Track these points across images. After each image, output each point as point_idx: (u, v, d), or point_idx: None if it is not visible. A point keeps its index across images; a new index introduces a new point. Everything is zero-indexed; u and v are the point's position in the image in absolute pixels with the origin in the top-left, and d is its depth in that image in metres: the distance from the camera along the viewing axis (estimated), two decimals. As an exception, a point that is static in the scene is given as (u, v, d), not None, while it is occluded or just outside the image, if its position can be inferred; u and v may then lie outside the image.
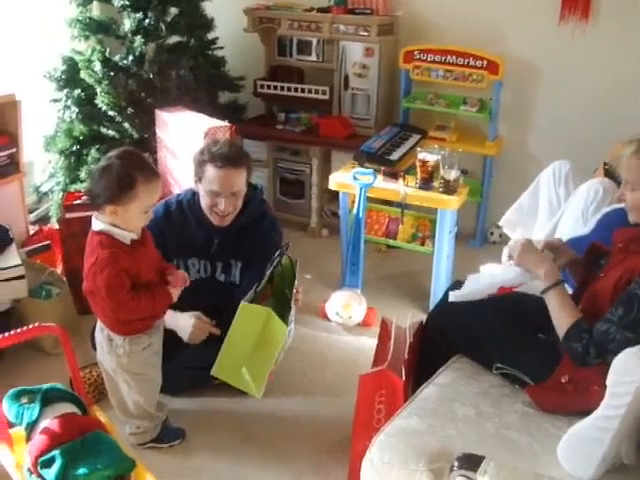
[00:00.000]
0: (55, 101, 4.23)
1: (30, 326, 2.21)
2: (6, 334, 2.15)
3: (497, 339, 2.36)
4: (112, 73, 4.01)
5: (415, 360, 2.53)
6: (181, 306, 2.61)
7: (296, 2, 4.54)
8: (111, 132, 4.14)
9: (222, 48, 4.57)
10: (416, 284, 3.98)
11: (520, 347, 2.33)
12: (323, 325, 3.63)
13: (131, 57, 4.06)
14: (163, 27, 4.11)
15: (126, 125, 4.09)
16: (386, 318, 2.71)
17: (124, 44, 4.15)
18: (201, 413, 2.95)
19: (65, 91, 4.20)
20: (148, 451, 2.71)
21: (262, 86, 4.64)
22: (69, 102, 4.18)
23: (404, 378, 2.33)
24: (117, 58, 4.08)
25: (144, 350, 2.51)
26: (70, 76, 4.18)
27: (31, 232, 4.01)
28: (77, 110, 4.17)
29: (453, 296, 2.34)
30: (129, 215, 2.33)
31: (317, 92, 4.47)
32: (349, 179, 3.59)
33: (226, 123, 3.65)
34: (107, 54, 4.04)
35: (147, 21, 4.04)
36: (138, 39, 4.03)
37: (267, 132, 4.58)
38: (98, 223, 2.37)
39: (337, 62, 4.39)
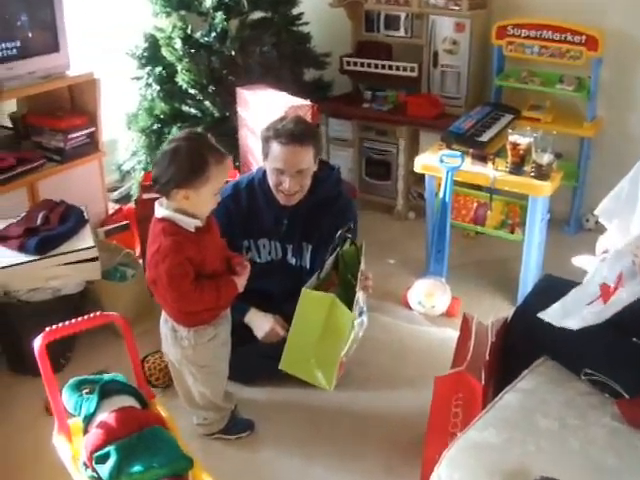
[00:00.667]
0: (137, 79, 4.18)
1: (91, 315, 2.16)
2: (66, 323, 2.09)
3: (589, 341, 2.11)
4: (193, 50, 3.95)
5: (497, 361, 2.33)
6: (251, 290, 2.48)
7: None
8: (192, 110, 4.07)
9: (307, 24, 4.41)
10: (504, 273, 3.75)
11: (615, 352, 2.10)
12: (404, 314, 3.46)
13: (213, 34, 3.97)
14: (245, 2, 3.99)
15: (207, 103, 4.01)
16: (468, 314, 2.51)
17: (206, 20, 4.06)
18: (271, 404, 2.86)
19: (147, 69, 4.16)
20: (215, 442, 2.64)
21: (348, 63, 4.46)
22: (150, 80, 4.14)
23: (483, 382, 2.15)
24: (198, 35, 3.99)
25: (209, 342, 2.41)
26: (151, 54, 4.14)
27: (111, 211, 3.98)
28: (158, 88, 4.12)
29: (545, 315, 2.10)
30: (201, 199, 2.23)
31: (405, 69, 4.26)
32: (436, 162, 3.39)
33: (308, 102, 3.51)
34: (188, 31, 3.96)
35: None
36: (219, 15, 3.92)
37: (352, 111, 4.41)
38: (162, 210, 2.28)
39: (426, 38, 4.18)
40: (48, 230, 3.05)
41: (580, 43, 3.75)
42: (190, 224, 2.26)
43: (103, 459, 1.89)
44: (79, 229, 3.13)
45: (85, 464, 1.93)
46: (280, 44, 4.21)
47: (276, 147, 2.67)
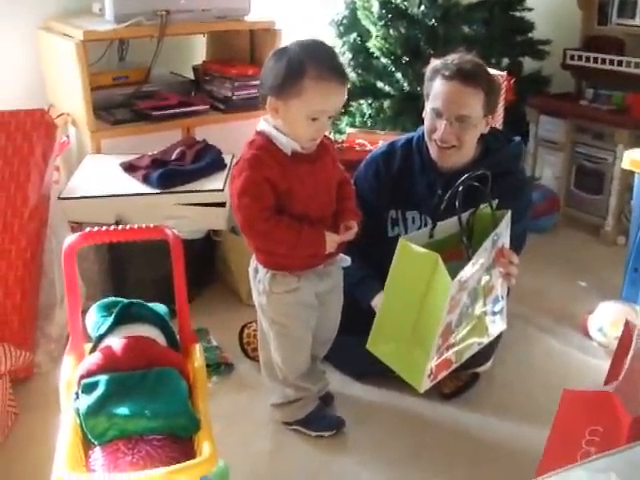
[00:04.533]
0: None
1: (143, 226, 1.75)
2: (111, 228, 1.71)
3: None
4: (390, 15, 3.51)
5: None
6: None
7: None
8: (382, 84, 3.65)
9: (531, 10, 3.84)
10: None
11: None
12: (579, 342, 2.75)
13: (417, 1, 3.52)
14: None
15: (398, 75, 3.56)
16: (630, 320, 1.82)
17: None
18: (375, 406, 2.33)
19: (344, 39, 3.81)
20: (291, 434, 2.16)
21: (572, 57, 3.82)
22: (344, 48, 3.77)
23: (634, 415, 1.47)
24: (398, 0, 3.56)
25: (286, 294, 1.96)
26: (350, 21, 3.79)
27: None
28: (350, 56, 3.74)
29: None
30: (290, 116, 1.82)
31: (637, 66, 3.55)
32: (648, 156, 2.68)
33: (503, 73, 2.96)
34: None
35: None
36: (425, -20, 3.47)
37: (567, 107, 3.75)
38: (263, 123, 1.91)
39: (667, 26, 3.45)
40: (178, 165, 2.76)
41: None
42: (286, 145, 1.85)
43: (90, 388, 1.48)
44: (214, 171, 2.83)
45: (77, 394, 1.52)
46: (493, 22, 3.67)
47: (438, 82, 2.19)
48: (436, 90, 2.19)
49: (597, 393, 1.56)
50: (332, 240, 1.88)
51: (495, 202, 1.92)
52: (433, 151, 2.26)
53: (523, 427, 2.23)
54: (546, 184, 3.83)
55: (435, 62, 2.26)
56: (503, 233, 1.90)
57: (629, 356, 1.62)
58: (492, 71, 2.90)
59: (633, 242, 2.80)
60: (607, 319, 2.69)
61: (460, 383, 2.37)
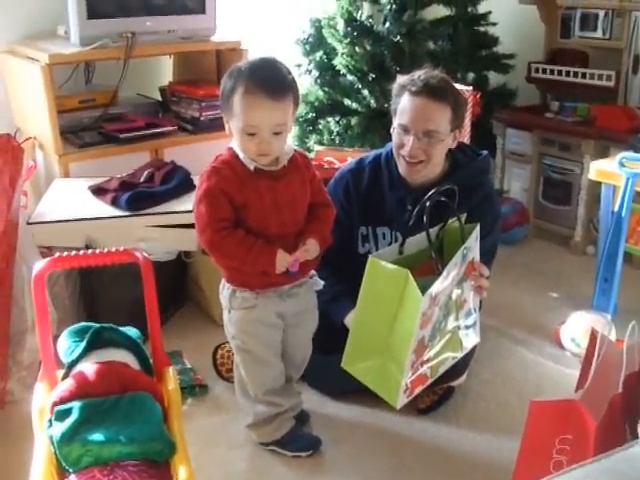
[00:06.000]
0: (298, 66, 3.85)
1: (112, 249, 1.73)
2: (80, 252, 1.69)
3: None
4: (356, 33, 3.54)
5: None
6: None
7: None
8: (349, 102, 3.66)
9: (495, 24, 3.88)
10: None
11: None
12: (552, 352, 2.77)
13: (381, 18, 3.57)
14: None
15: (365, 92, 3.58)
16: (595, 329, 1.84)
17: (381, 11, 3.68)
18: (352, 424, 2.33)
19: (310, 57, 3.83)
20: (267, 455, 2.15)
21: (537, 70, 3.88)
22: (310, 66, 3.79)
23: (599, 421, 1.48)
24: (364, 17, 3.61)
25: (245, 311, 1.96)
26: (316, 40, 3.80)
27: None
28: (317, 74, 3.76)
29: None
30: (233, 132, 1.87)
31: (601, 77, 3.61)
32: (614, 166, 2.71)
33: (469, 88, 2.99)
34: (355, 14, 3.59)
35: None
36: (390, -1, 3.50)
37: (533, 120, 3.79)
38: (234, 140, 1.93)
39: (627, 39, 3.51)
40: (147, 187, 2.75)
41: None
42: (248, 161, 1.87)
43: (64, 415, 1.46)
44: (183, 192, 2.81)
45: (50, 421, 1.50)
46: (457, 37, 3.71)
47: (405, 98, 2.20)
48: (403, 106, 2.20)
49: (564, 402, 1.57)
50: (283, 259, 1.86)
51: (464, 216, 1.94)
52: (402, 167, 2.27)
53: (500, 439, 2.23)
54: (515, 196, 3.87)
55: (402, 78, 2.27)
56: (473, 246, 1.90)
57: (594, 364, 1.64)
58: (458, 86, 2.93)
59: (602, 252, 2.83)
60: (579, 329, 2.71)
61: (435, 397, 2.37)
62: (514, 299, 3.16)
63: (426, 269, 1.81)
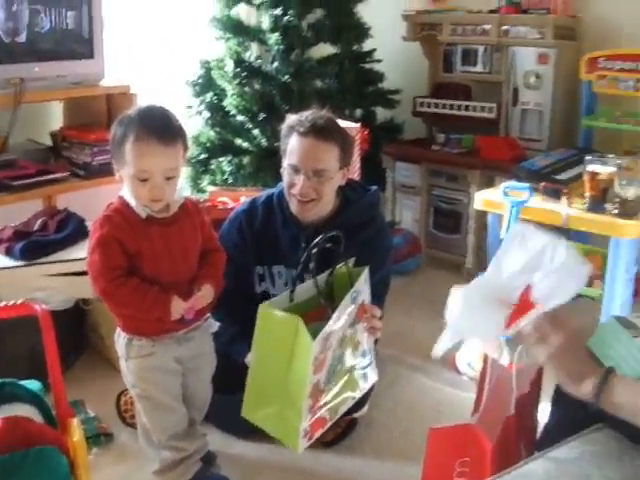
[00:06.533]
0: (189, 107, 3.88)
1: (10, 303, 1.72)
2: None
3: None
4: (245, 74, 3.61)
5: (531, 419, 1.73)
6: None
7: (460, 5, 3.99)
8: (241, 141, 3.72)
9: (380, 61, 4.04)
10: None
11: None
12: (450, 378, 2.87)
13: (270, 58, 3.65)
14: (304, 26, 3.66)
15: (256, 132, 3.64)
16: (487, 353, 1.94)
17: (268, 51, 3.76)
18: (260, 462, 2.34)
19: (200, 98, 3.87)
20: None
21: (422, 104, 4.04)
22: (201, 107, 3.83)
23: (494, 442, 1.56)
24: (252, 58, 3.68)
25: (142, 359, 1.97)
26: (206, 81, 3.85)
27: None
28: (208, 115, 3.80)
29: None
30: (125, 179, 1.89)
31: (483, 109, 3.80)
32: (499, 196, 2.85)
33: (357, 125, 3.08)
34: (244, 56, 3.68)
35: (286, 18, 3.58)
36: (274, 37, 3.58)
37: (420, 153, 3.94)
38: (124, 187, 1.94)
39: (506, 72, 3.72)
40: (41, 236, 2.71)
41: (686, 76, 3.17)
42: (140, 209, 1.90)
43: (-36, 477, 1.42)
44: (78, 239, 2.78)
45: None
46: (344, 75, 3.83)
47: (294, 139, 2.26)
48: (292, 146, 2.26)
49: (460, 427, 1.64)
50: (179, 306, 1.88)
51: (352, 260, 1.99)
52: (293, 206, 2.33)
53: (403, 466, 2.29)
54: (406, 227, 3.99)
55: (290, 119, 2.33)
56: (362, 289, 1.93)
57: (486, 388, 1.73)
58: (346, 123, 3.05)
59: (490, 278, 2.94)
60: (474, 354, 2.81)
61: (339, 430, 2.41)
62: (409, 328, 3.24)
63: (318, 315, 1.84)
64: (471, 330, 1.41)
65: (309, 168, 2.23)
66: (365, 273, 1.93)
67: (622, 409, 1.34)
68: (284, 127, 2.33)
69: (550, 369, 1.40)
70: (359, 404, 2.33)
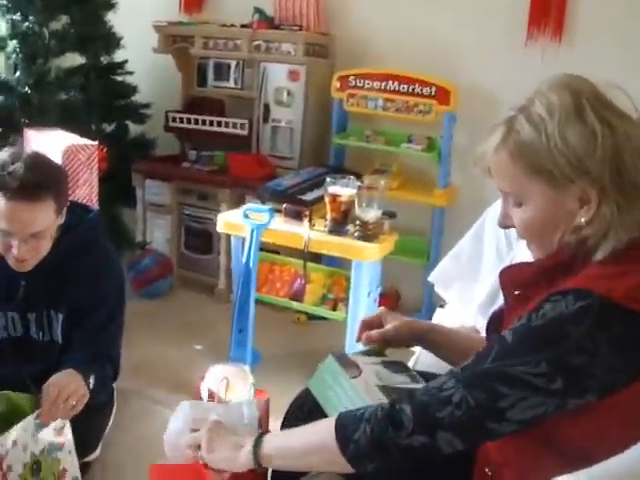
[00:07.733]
0: None
1: None
2: None
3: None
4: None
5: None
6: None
7: (214, 18, 3.91)
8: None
9: (132, 73, 3.85)
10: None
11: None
12: (195, 408, 2.73)
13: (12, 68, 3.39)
14: (46, 33, 3.40)
15: (-9, 148, 3.32)
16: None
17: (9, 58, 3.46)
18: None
19: None
20: None
21: (174, 119, 3.88)
22: None
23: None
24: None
25: None
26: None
27: None
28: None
29: None
30: None
31: (235, 126, 3.73)
32: (240, 218, 2.75)
33: (94, 142, 2.87)
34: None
35: (26, 24, 3.31)
36: (13, 44, 3.29)
37: (170, 170, 3.79)
38: None
39: (257, 88, 3.66)
40: None
41: (430, 95, 3.30)
42: None
43: None
44: None
45: None
46: (91, 87, 3.60)
47: (0, 202, 1.91)
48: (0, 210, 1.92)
49: (184, 465, 1.53)
50: None
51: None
52: (12, 263, 2.00)
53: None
54: (157, 247, 3.83)
55: None
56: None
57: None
58: (83, 141, 2.85)
59: (235, 303, 2.86)
60: (217, 383, 2.70)
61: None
62: (159, 355, 3.08)
63: None
64: None
65: (25, 234, 1.94)
66: (30, 420, 1.79)
67: (283, 458, 1.35)
68: None
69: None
70: (88, 447, 2.13)
